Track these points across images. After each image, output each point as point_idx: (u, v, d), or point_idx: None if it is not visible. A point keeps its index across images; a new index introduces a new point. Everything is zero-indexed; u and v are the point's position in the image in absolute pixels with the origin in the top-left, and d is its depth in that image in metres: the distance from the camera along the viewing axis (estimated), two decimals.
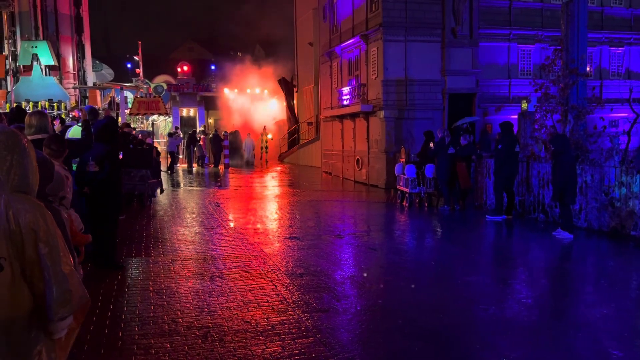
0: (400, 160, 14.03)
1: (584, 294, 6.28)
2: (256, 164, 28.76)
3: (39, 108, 21.34)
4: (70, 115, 21.16)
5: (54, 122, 12.13)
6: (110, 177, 6.82)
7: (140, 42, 32.94)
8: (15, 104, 20.33)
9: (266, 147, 29.27)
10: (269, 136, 30.13)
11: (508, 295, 6.07)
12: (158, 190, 14.01)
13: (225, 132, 27.76)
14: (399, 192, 13.76)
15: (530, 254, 8.56)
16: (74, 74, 28.00)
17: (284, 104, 31.77)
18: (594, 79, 21.08)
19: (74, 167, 6.81)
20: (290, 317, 5.23)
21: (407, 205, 13.01)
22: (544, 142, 11.40)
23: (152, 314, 5.30)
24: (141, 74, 35.55)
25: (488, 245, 9.49)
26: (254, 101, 33.52)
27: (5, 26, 25.58)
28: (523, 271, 7.33)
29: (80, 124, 7.28)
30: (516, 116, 14.99)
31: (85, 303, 2.21)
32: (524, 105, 13.65)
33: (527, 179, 11.23)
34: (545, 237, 9.50)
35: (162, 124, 37.80)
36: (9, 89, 24.88)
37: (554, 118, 11.96)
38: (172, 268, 7.10)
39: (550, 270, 7.57)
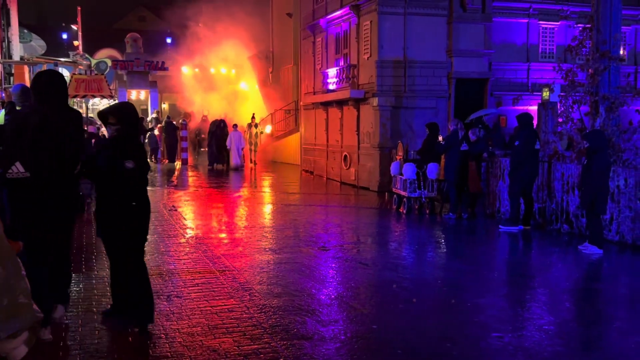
0: (397, 157, 14.11)
1: (616, 320, 6.39)
2: (246, 166, 25.95)
3: None
4: None
5: None
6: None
7: (79, 8, 32.59)
8: None
9: (255, 144, 26.88)
10: (258, 128, 27.16)
11: (527, 321, 6.16)
12: None
13: (184, 120, 27.48)
14: (394, 196, 13.85)
15: (552, 272, 8.67)
16: None
17: (256, 86, 31.56)
18: (629, 64, 21.47)
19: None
20: (267, 345, 5.25)
21: (404, 212, 13.10)
22: (570, 139, 11.58)
23: (96, 341, 5.27)
24: (80, 47, 35.14)
25: (502, 261, 9.59)
26: (221, 83, 33.33)
27: None
28: (544, 292, 7.43)
29: (4, 109, 7.19)
30: (536, 107, 15.18)
31: None
32: (546, 94, 13.80)
33: (548, 183, 11.40)
34: (570, 252, 9.66)
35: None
36: None
37: (582, 110, 12.13)
38: None
39: (576, 291, 7.68)
